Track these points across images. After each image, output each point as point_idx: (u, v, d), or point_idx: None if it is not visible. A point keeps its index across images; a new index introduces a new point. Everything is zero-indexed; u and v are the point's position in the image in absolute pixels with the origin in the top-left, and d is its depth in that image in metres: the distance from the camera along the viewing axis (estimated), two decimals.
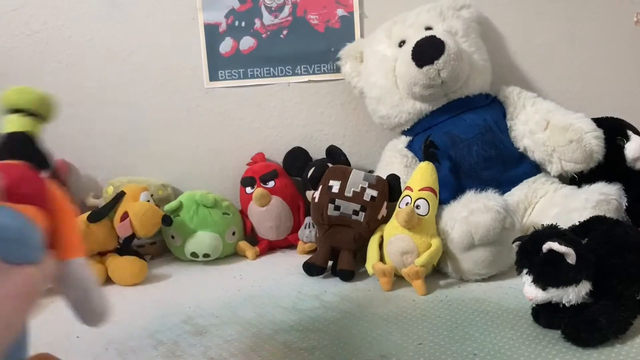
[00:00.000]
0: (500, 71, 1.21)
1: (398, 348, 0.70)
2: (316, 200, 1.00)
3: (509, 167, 1.05)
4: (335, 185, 0.99)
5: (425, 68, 1.02)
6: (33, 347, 0.79)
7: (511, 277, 0.91)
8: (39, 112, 1.03)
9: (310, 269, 0.99)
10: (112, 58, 1.28)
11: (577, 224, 0.81)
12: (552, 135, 1.02)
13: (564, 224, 0.78)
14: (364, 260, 0.98)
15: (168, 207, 1.15)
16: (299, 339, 0.75)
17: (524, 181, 1.05)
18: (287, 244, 1.21)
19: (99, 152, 1.33)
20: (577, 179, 1.05)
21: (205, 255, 1.12)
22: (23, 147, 1.02)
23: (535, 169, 1.07)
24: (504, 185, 1.03)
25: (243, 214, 1.23)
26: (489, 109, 1.09)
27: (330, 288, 0.94)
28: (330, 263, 1.01)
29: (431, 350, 0.69)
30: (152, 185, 1.23)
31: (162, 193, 1.25)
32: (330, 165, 1.06)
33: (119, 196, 1.11)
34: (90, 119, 1.30)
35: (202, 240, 1.12)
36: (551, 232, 0.71)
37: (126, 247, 1.10)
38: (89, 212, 1.08)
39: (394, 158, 1.13)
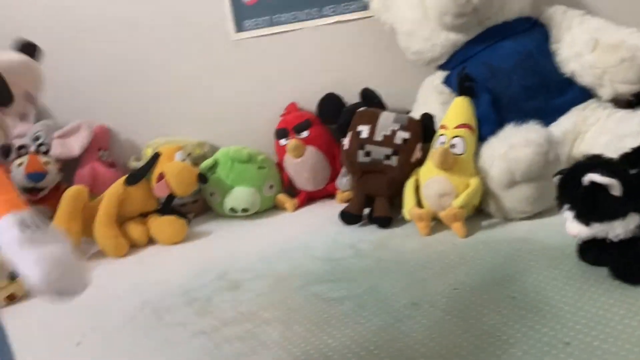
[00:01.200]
0: None
1: (431, 294, 0.67)
2: (345, 147, 0.96)
3: (554, 95, 0.96)
4: (364, 130, 0.94)
5: None
6: (76, 307, 0.82)
7: (558, 213, 0.85)
8: None
9: (346, 217, 0.97)
10: (140, 22, 1.27)
11: (630, 151, 0.73)
12: (602, 55, 0.92)
13: (616, 152, 0.70)
14: (401, 205, 0.94)
15: (203, 165, 1.15)
16: (330, 289, 0.73)
17: (572, 109, 0.96)
18: (326, 193, 1.19)
19: (137, 116, 1.34)
20: (636, 102, 0.95)
21: (244, 210, 1.11)
22: None
23: (584, 94, 0.98)
24: (549, 115, 0.95)
25: (280, 166, 1.21)
26: (529, 33, 1.00)
27: (367, 236, 0.91)
28: (367, 210, 0.98)
29: (467, 295, 0.66)
30: (189, 145, 1.23)
31: (199, 151, 1.24)
32: (362, 109, 1.02)
33: (155, 157, 1.11)
34: (126, 85, 1.31)
35: (239, 196, 1.11)
36: (593, 162, 0.64)
37: (167, 207, 1.11)
38: (125, 176, 1.09)
39: (430, 95, 1.07)
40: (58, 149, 1.25)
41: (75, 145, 1.27)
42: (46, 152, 1.20)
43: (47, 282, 0.31)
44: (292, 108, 1.23)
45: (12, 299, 0.90)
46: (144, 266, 0.97)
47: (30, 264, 0.31)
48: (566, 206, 0.66)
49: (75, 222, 1.06)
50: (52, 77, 1.34)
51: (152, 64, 1.30)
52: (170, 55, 1.29)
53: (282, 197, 1.17)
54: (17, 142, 1.27)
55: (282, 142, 1.18)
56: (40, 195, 1.17)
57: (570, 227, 0.65)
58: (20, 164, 1.14)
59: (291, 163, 1.16)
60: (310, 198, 1.19)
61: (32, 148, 1.20)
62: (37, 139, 1.28)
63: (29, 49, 0.48)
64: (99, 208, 1.07)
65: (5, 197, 0.34)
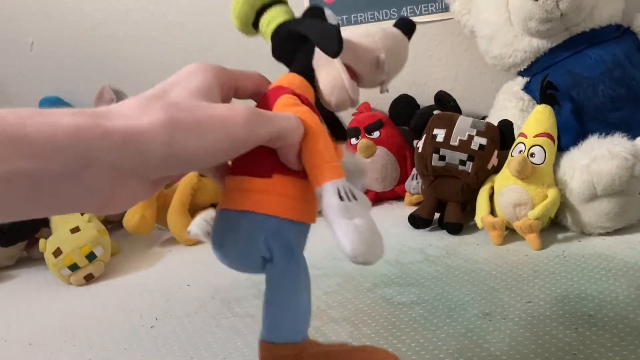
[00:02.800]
0: None
1: (504, 306, 0.66)
2: (420, 150, 0.96)
3: None
4: (439, 134, 0.93)
5: (542, 0, 0.91)
6: (150, 291, 0.85)
7: None
8: None
9: (416, 221, 0.96)
10: (218, 14, 1.30)
11: None
12: None
13: None
14: (473, 212, 0.93)
15: None
16: (399, 293, 0.73)
17: None
18: (395, 195, 1.18)
19: None
20: None
21: None
22: None
23: None
24: (636, 128, 0.90)
25: None
26: (619, 42, 0.96)
27: (436, 241, 0.90)
28: (437, 215, 0.97)
29: (540, 309, 0.64)
30: None
31: None
32: (436, 112, 1.01)
33: None
34: None
35: None
36: None
37: None
38: None
39: (509, 102, 1.04)
40: None
41: None
42: None
43: (356, 253, 0.33)
44: (364, 107, 1.24)
45: (89, 279, 0.95)
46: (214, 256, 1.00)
47: (345, 232, 0.34)
48: None
49: (150, 209, 1.10)
50: (134, 67, 1.40)
51: (230, 60, 1.33)
52: (248, 50, 1.31)
53: None
54: None
55: (353, 141, 1.18)
56: None
57: None
58: None
59: None
60: (377, 199, 1.19)
61: None
62: None
63: (408, 27, 0.46)
64: (174, 197, 1.10)
65: (334, 163, 0.36)
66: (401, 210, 1.09)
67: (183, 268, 0.95)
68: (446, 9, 1.15)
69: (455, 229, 0.92)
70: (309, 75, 0.42)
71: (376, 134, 1.16)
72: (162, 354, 0.66)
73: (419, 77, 1.23)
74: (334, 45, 0.38)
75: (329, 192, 0.35)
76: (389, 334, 0.63)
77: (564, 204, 0.86)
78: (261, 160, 0.38)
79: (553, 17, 0.92)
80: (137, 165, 0.30)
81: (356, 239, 0.34)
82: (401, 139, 1.19)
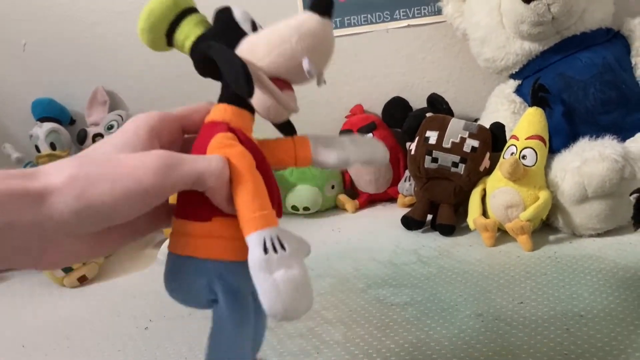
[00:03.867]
0: (625, 0, 1.06)
1: (496, 306, 0.67)
2: (412, 152, 0.96)
3: (632, 110, 0.93)
4: (432, 136, 0.94)
5: (533, 3, 0.92)
6: (144, 293, 0.85)
7: (631, 232, 0.83)
8: None
9: (409, 223, 0.97)
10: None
11: None
12: None
13: None
14: (465, 214, 0.94)
15: None
16: (392, 294, 0.73)
17: None
18: (387, 197, 1.19)
19: None
20: None
21: (305, 209, 1.13)
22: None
23: None
24: (626, 131, 0.92)
25: None
26: (609, 45, 0.97)
27: (429, 243, 0.91)
28: (429, 217, 0.98)
29: (532, 310, 0.65)
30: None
31: None
32: (429, 114, 1.01)
33: None
34: (196, 79, 1.34)
35: (301, 194, 1.13)
36: None
37: None
38: None
39: (501, 104, 1.05)
40: None
41: None
42: None
43: (273, 312, 0.33)
44: (357, 110, 1.24)
45: (83, 281, 0.94)
46: None
47: (264, 290, 0.33)
48: None
49: None
50: (128, 69, 1.40)
51: None
52: None
53: (343, 198, 1.18)
54: (92, 130, 1.33)
55: None
56: None
57: None
58: None
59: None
60: (370, 200, 1.19)
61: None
62: (110, 127, 1.33)
63: (320, 2, 0.39)
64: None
65: (260, 213, 0.35)
66: (394, 212, 1.10)
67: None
68: (439, 11, 1.16)
69: (448, 231, 0.93)
70: (240, 100, 0.40)
71: (369, 136, 1.16)
72: (156, 356, 0.66)
73: (412, 79, 1.24)
74: (244, 89, 0.37)
75: (252, 244, 0.34)
76: (382, 335, 0.63)
77: (555, 206, 0.87)
78: (200, 203, 0.37)
79: (544, 20, 0.93)
80: (56, 221, 0.31)
81: (274, 297, 0.33)
82: (394, 141, 1.19)
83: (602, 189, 0.80)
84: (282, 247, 0.34)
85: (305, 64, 0.38)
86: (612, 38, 0.99)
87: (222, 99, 0.40)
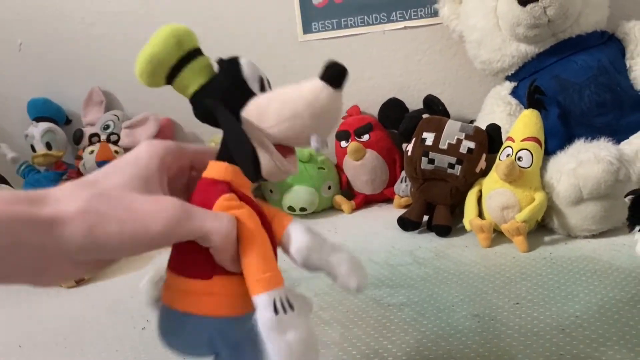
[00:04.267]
0: (619, 3, 1.07)
1: (492, 307, 0.67)
2: (409, 153, 0.97)
3: (627, 112, 0.94)
4: (429, 138, 0.94)
5: (530, 6, 0.92)
6: (141, 294, 0.85)
7: (625, 233, 0.83)
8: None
9: (405, 223, 0.97)
10: (207, 17, 1.30)
11: None
12: None
13: None
14: (462, 215, 0.94)
15: None
16: (389, 295, 0.74)
17: None
18: (384, 198, 1.19)
19: None
20: None
21: (302, 209, 1.13)
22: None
23: None
24: (620, 133, 0.92)
25: (339, 168, 1.22)
26: (604, 48, 0.98)
27: (425, 244, 0.91)
28: (426, 218, 0.98)
29: (528, 310, 0.65)
30: None
31: None
32: (425, 116, 1.02)
33: None
34: None
35: (298, 195, 1.13)
36: None
37: None
38: None
39: (496, 106, 1.06)
40: (125, 139, 1.30)
41: (142, 136, 1.31)
42: (116, 142, 1.25)
43: None
44: (354, 111, 1.24)
45: (80, 281, 0.94)
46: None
47: (276, 350, 0.34)
48: (638, 228, 0.64)
49: None
50: (124, 69, 1.39)
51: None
52: (236, 54, 1.32)
53: (340, 199, 1.18)
54: (89, 130, 1.33)
55: (343, 144, 1.19)
56: None
57: None
58: (92, 152, 1.20)
59: (350, 165, 1.17)
60: (367, 201, 1.19)
61: (103, 137, 1.25)
62: (106, 127, 1.33)
63: (334, 74, 0.38)
64: None
65: (270, 274, 0.36)
66: (390, 213, 1.10)
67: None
68: (435, 14, 1.16)
69: (444, 232, 0.93)
70: None
71: (366, 137, 1.17)
72: (154, 356, 0.66)
73: (408, 80, 1.24)
74: (251, 176, 0.37)
75: (262, 305, 0.35)
76: (379, 335, 0.64)
77: (550, 207, 0.87)
78: (201, 260, 0.37)
79: (540, 23, 0.94)
80: (60, 249, 0.32)
81: (287, 358, 0.34)
82: (390, 142, 1.20)
83: (597, 190, 0.81)
84: (291, 307, 0.35)
85: (314, 142, 0.38)
86: (607, 41, 1.00)
87: (222, 157, 0.40)
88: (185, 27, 0.40)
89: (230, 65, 0.40)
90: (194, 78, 0.40)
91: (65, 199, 0.33)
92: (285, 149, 0.40)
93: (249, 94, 0.40)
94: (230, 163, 0.39)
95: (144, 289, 0.42)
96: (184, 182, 0.43)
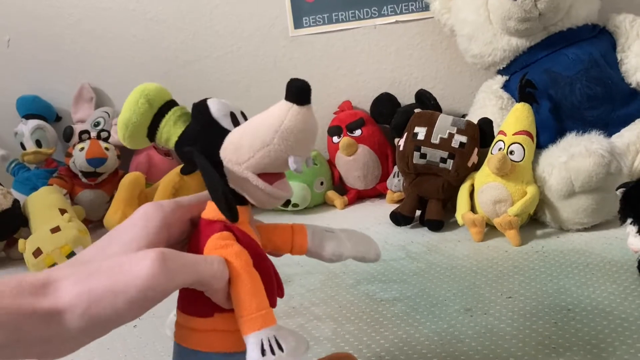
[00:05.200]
0: None
1: (485, 301, 0.67)
2: (401, 148, 0.96)
3: (618, 105, 0.94)
4: (420, 132, 0.94)
5: (520, 0, 0.92)
6: None
7: (617, 226, 0.83)
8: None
9: (397, 218, 0.97)
10: (198, 12, 1.29)
11: None
12: None
13: None
14: (454, 209, 0.94)
15: None
16: (381, 290, 0.74)
17: (637, 120, 0.94)
18: (376, 193, 1.19)
19: None
20: None
21: (294, 205, 1.13)
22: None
23: None
24: (612, 126, 0.93)
25: (331, 163, 1.22)
26: (595, 41, 0.98)
27: (417, 238, 0.91)
28: (418, 213, 0.98)
29: (521, 304, 0.65)
30: None
31: None
32: (417, 110, 1.02)
33: None
34: (183, 77, 1.34)
35: None
36: None
37: None
38: (181, 165, 1.12)
39: (488, 100, 1.06)
40: (116, 135, 1.29)
41: None
42: (107, 139, 1.24)
43: None
44: (345, 106, 1.24)
45: None
46: None
47: None
48: (629, 220, 0.64)
49: (132, 208, 1.09)
50: (113, 65, 1.39)
51: (209, 59, 1.32)
52: (227, 50, 1.31)
53: (332, 194, 1.18)
54: (79, 127, 1.32)
55: (335, 139, 1.19)
56: (99, 180, 1.21)
57: (633, 242, 0.64)
58: (82, 149, 1.18)
59: (343, 161, 1.17)
60: (359, 197, 1.19)
61: (94, 134, 1.24)
62: (97, 124, 1.32)
63: (296, 91, 0.37)
64: (155, 195, 1.10)
65: (257, 314, 0.36)
66: (383, 208, 1.10)
67: None
68: (426, 8, 1.16)
69: (437, 226, 0.93)
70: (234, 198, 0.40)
71: (358, 132, 1.17)
72: (145, 354, 0.65)
73: (400, 75, 1.24)
74: (229, 218, 0.38)
75: (250, 346, 0.36)
76: (371, 330, 0.63)
77: (542, 201, 0.87)
78: (201, 300, 0.38)
79: (531, 16, 0.94)
80: (63, 336, 0.33)
81: None
82: (382, 137, 1.20)
83: (589, 183, 0.81)
84: (280, 347, 0.35)
85: (291, 163, 0.38)
86: (598, 34, 1.00)
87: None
88: (154, 86, 0.41)
89: (199, 110, 0.41)
90: (171, 131, 0.41)
91: (63, 287, 0.33)
92: (272, 176, 0.40)
93: (223, 132, 0.40)
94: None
95: (169, 326, 0.44)
96: (188, 236, 0.43)
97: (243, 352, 0.37)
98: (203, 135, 0.40)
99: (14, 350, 0.31)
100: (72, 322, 0.32)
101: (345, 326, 0.65)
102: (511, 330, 0.60)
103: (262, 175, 0.39)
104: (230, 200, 0.37)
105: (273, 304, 0.39)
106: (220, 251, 0.38)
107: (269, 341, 0.35)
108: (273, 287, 0.40)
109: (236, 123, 0.40)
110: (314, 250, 0.45)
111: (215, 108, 0.40)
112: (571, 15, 0.97)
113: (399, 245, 0.89)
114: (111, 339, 0.70)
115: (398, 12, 1.20)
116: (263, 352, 0.35)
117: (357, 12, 1.21)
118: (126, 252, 0.36)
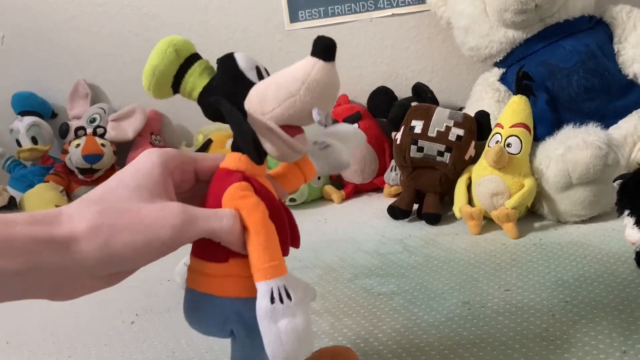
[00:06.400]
0: None
1: (483, 294, 0.67)
2: (398, 141, 0.96)
3: (615, 97, 0.94)
4: (417, 125, 0.94)
5: None
6: (129, 288, 0.84)
7: (615, 218, 0.83)
8: None
9: (395, 212, 0.97)
10: (193, 7, 1.28)
11: None
12: None
13: None
14: (451, 203, 0.94)
15: None
16: (379, 284, 0.73)
17: (634, 112, 0.94)
18: (374, 187, 1.19)
19: (189, 102, 1.36)
20: None
21: (291, 200, 1.13)
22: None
23: None
24: (609, 118, 0.93)
25: None
26: (592, 32, 0.98)
27: (415, 232, 0.91)
28: (415, 206, 0.98)
29: (518, 297, 0.65)
30: None
31: None
32: (414, 104, 1.01)
33: (207, 144, 1.14)
34: None
35: None
36: None
37: None
38: None
39: (485, 93, 1.06)
40: (112, 131, 1.29)
41: (129, 129, 1.30)
42: (103, 135, 1.23)
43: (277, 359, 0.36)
44: (342, 100, 1.24)
45: None
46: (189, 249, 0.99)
47: (268, 339, 0.36)
48: (626, 212, 0.64)
49: None
50: (109, 62, 1.38)
51: (206, 53, 1.32)
52: (223, 44, 1.30)
53: (329, 189, 1.18)
54: (75, 124, 1.31)
55: None
56: (96, 177, 1.21)
57: (630, 234, 0.64)
58: (78, 145, 1.18)
59: None
60: (356, 191, 1.19)
61: (90, 130, 1.23)
62: (93, 120, 1.32)
63: (323, 47, 0.39)
64: None
65: (270, 264, 0.37)
66: (380, 202, 1.10)
67: (163, 263, 0.94)
68: (422, 0, 1.16)
69: (434, 220, 0.93)
70: None
71: (354, 126, 1.16)
72: (143, 350, 0.65)
73: (397, 69, 1.24)
74: (255, 160, 0.39)
75: (260, 293, 0.37)
76: (369, 324, 0.63)
77: (540, 193, 0.87)
78: (217, 245, 0.39)
79: (528, 8, 0.93)
80: (79, 266, 0.33)
81: (277, 347, 0.36)
82: (379, 130, 1.19)
83: (587, 175, 0.81)
84: (289, 296, 0.37)
85: (315, 115, 0.39)
86: (595, 25, 1.00)
87: (235, 148, 0.41)
88: (181, 38, 0.43)
89: (226, 62, 0.42)
90: (196, 82, 0.42)
91: (76, 216, 0.34)
92: (292, 129, 0.41)
93: (248, 85, 0.41)
94: (243, 153, 0.41)
95: (179, 273, 0.45)
96: (190, 188, 0.44)
97: (253, 299, 0.38)
98: (229, 86, 0.41)
99: (27, 279, 0.32)
100: (90, 253, 0.33)
101: (343, 320, 0.65)
102: (509, 322, 0.60)
103: (284, 128, 0.40)
104: (257, 140, 0.38)
105: (285, 253, 0.40)
106: (238, 202, 0.39)
107: (279, 290, 0.37)
108: (286, 237, 0.41)
109: (261, 77, 0.42)
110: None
111: (242, 61, 0.42)
112: (568, 6, 0.97)
113: (396, 239, 0.89)
114: (109, 335, 0.70)
115: (394, 5, 1.19)
116: (272, 300, 0.36)
117: (353, 5, 1.21)
118: (132, 198, 0.37)
